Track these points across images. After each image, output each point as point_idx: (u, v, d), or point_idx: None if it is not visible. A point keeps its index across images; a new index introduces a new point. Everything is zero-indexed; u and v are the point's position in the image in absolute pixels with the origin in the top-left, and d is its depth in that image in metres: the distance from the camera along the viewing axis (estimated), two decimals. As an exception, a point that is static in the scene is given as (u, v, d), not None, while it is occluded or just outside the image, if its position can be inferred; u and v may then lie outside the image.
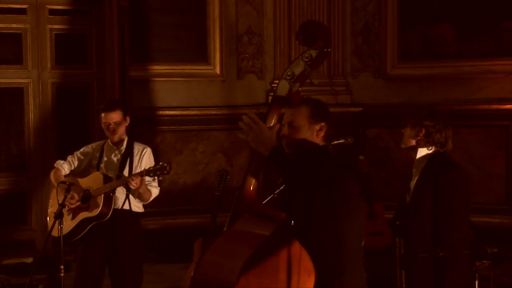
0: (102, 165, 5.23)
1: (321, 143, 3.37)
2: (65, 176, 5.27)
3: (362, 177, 6.93)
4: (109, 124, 5.15)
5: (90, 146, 5.42)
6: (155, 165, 4.99)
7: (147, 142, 5.50)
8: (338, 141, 4.53)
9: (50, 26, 7.85)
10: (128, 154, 5.21)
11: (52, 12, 7.85)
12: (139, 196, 5.16)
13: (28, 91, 7.82)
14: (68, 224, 5.09)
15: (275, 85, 3.25)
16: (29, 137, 7.83)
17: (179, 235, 7.68)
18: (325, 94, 7.98)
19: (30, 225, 7.85)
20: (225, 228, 3.22)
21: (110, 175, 5.14)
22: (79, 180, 5.20)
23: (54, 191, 5.24)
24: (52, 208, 5.25)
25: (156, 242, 7.65)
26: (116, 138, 5.20)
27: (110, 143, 5.27)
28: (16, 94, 7.80)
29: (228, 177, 5.65)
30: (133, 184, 4.91)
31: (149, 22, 8.00)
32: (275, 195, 4.14)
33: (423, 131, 4.11)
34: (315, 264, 3.04)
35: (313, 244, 3.08)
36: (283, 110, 3.33)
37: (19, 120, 7.84)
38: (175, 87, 8.11)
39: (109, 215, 5.05)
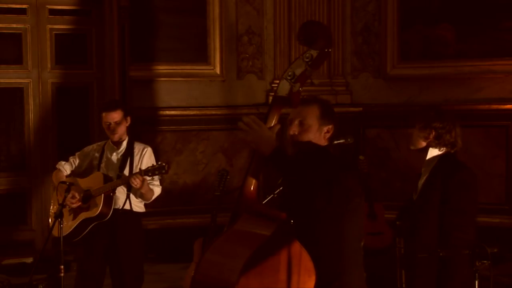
0: (102, 165, 5.24)
1: (326, 143, 3.38)
2: (67, 176, 5.28)
3: (362, 177, 6.93)
4: (110, 123, 5.16)
5: (91, 146, 5.43)
6: (153, 165, 5.00)
7: (147, 142, 5.51)
8: (338, 141, 4.53)
9: (50, 26, 7.85)
10: (129, 154, 5.21)
11: (52, 12, 7.85)
12: (141, 196, 5.16)
13: (28, 91, 7.82)
14: (69, 224, 5.09)
15: (275, 85, 3.26)
16: (29, 137, 7.83)
17: (179, 235, 7.68)
18: (325, 94, 7.96)
19: (30, 225, 7.85)
20: (225, 228, 3.23)
21: (110, 175, 5.14)
22: (80, 180, 5.21)
23: (55, 192, 5.25)
24: (53, 210, 5.25)
25: (156, 242, 7.65)
26: (116, 137, 5.21)
27: (111, 143, 5.27)
28: (16, 94, 7.81)
29: (228, 177, 5.65)
30: (135, 183, 4.91)
31: (149, 22, 8.00)
32: (275, 195, 4.14)
33: (433, 133, 4.10)
34: (315, 264, 3.04)
35: (313, 244, 3.08)
36: (283, 110, 3.33)
37: (19, 120, 7.84)
38: (175, 87, 8.11)
39: (110, 215, 5.05)
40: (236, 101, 8.26)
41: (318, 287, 3.05)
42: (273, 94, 3.53)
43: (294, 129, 3.36)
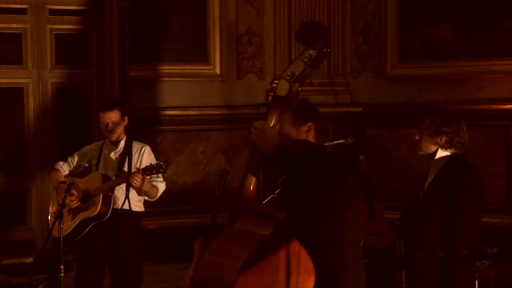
0: (101, 165, 5.24)
1: (317, 142, 3.36)
2: (65, 177, 5.28)
3: (362, 177, 6.94)
4: (107, 123, 5.16)
5: (89, 146, 5.44)
6: (151, 164, 5.00)
7: (147, 142, 5.50)
8: (338, 141, 4.54)
9: (50, 26, 7.85)
10: (127, 153, 5.21)
11: (52, 12, 7.85)
12: (146, 194, 5.17)
13: (28, 91, 7.82)
14: (68, 224, 5.09)
15: (275, 85, 3.26)
16: (29, 137, 7.83)
17: (179, 235, 7.68)
18: (325, 94, 7.99)
19: (30, 225, 7.85)
20: (225, 228, 3.23)
21: (109, 174, 5.15)
22: (78, 180, 5.21)
23: (54, 192, 5.25)
24: (53, 209, 5.25)
25: (156, 242, 7.65)
26: (114, 137, 5.21)
27: (109, 143, 5.27)
28: (16, 94, 7.80)
29: (228, 177, 5.65)
30: (134, 182, 4.92)
31: (149, 22, 7.99)
32: (275, 195, 4.15)
33: (444, 138, 4.11)
34: (314, 263, 3.04)
35: (312, 244, 3.09)
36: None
37: (19, 120, 7.84)
38: (175, 87, 8.10)
39: (108, 214, 5.05)
40: (236, 101, 8.26)
41: (317, 287, 3.05)
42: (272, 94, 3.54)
43: (280, 139, 3.36)
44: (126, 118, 5.27)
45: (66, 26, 7.91)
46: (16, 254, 7.40)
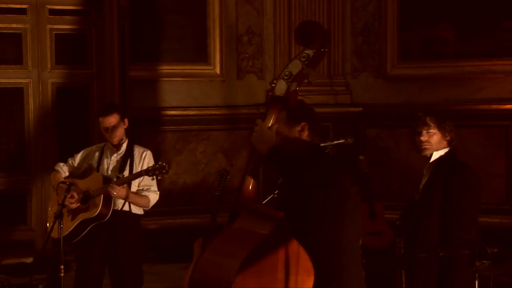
0: (102, 167, 5.24)
1: (312, 142, 3.36)
2: (65, 178, 5.28)
3: (362, 177, 6.94)
4: (107, 128, 5.16)
5: (90, 148, 5.44)
6: (154, 165, 5.00)
7: (147, 142, 5.53)
8: (338, 141, 4.55)
9: (50, 26, 7.85)
10: (128, 156, 5.21)
11: (52, 12, 7.85)
12: (135, 204, 5.17)
13: (28, 91, 7.82)
14: (68, 225, 5.09)
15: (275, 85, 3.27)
16: (29, 137, 7.83)
17: (179, 235, 7.68)
18: (325, 94, 7.99)
19: (30, 225, 7.85)
20: (224, 228, 3.23)
21: (110, 176, 5.14)
22: (79, 181, 5.21)
23: (54, 193, 5.24)
24: (52, 210, 5.24)
25: (156, 242, 7.65)
26: (115, 140, 5.21)
27: (111, 145, 5.27)
28: (16, 94, 7.81)
29: (228, 177, 5.65)
30: (113, 193, 4.92)
31: (149, 22, 7.99)
32: (275, 195, 4.15)
33: (450, 135, 4.15)
34: (314, 263, 3.04)
35: (311, 244, 3.09)
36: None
37: (19, 120, 7.84)
38: (175, 87, 8.10)
39: (108, 216, 5.05)
40: (236, 101, 8.26)
41: (316, 287, 3.05)
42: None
43: (276, 140, 3.36)
44: (126, 121, 5.27)
45: (66, 26, 7.91)
46: (16, 254, 7.40)
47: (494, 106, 7.90)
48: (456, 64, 8.01)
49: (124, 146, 5.25)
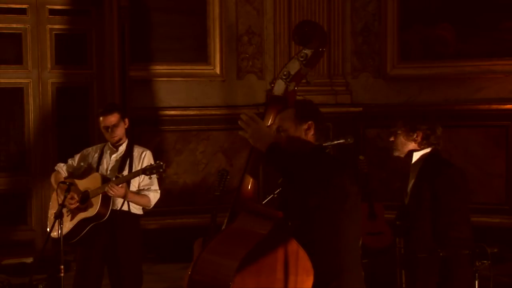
0: (101, 167, 5.24)
1: (313, 142, 3.36)
2: (65, 178, 5.28)
3: (362, 177, 6.94)
4: (108, 127, 5.16)
5: (90, 148, 5.44)
6: (151, 164, 5.00)
7: (147, 142, 5.53)
8: (338, 141, 4.54)
9: (50, 26, 7.85)
10: (128, 156, 5.21)
11: (52, 12, 7.85)
12: (136, 204, 5.17)
13: (28, 91, 7.82)
14: (67, 225, 5.09)
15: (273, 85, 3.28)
16: (29, 137, 7.84)
17: (179, 235, 7.68)
18: (325, 94, 7.98)
19: (30, 225, 7.85)
20: (223, 227, 3.23)
21: (109, 176, 5.14)
22: (78, 181, 5.21)
23: (54, 193, 5.24)
24: (52, 211, 5.25)
25: (156, 242, 7.65)
26: (115, 140, 5.21)
27: (110, 146, 5.27)
28: (16, 94, 7.81)
29: (228, 177, 5.65)
30: (111, 192, 4.92)
31: (149, 22, 8.00)
32: (275, 195, 4.15)
33: (421, 135, 4.11)
34: (313, 263, 3.04)
35: (310, 244, 3.08)
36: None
37: (19, 120, 7.85)
38: (175, 87, 8.11)
39: (107, 215, 5.05)
40: (236, 101, 8.26)
41: (316, 287, 3.05)
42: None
43: (277, 137, 3.35)
44: (126, 121, 5.27)
45: (66, 26, 7.91)
46: (16, 254, 7.40)
47: (494, 106, 7.90)
48: (456, 64, 8.01)
49: (124, 146, 5.26)
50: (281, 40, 8.21)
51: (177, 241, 7.58)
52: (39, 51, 7.81)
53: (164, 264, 7.52)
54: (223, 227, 3.22)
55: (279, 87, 3.24)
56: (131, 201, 5.13)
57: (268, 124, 3.26)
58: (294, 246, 3.03)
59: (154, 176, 5.13)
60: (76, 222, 5.11)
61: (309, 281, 3.03)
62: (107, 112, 5.19)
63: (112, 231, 5.13)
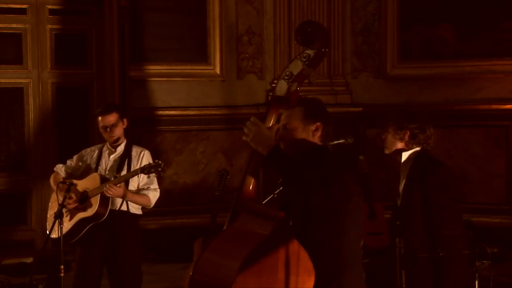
0: (100, 167, 5.24)
1: (319, 143, 3.37)
2: (64, 179, 5.27)
3: (362, 177, 6.94)
4: (107, 126, 5.16)
5: (88, 149, 5.43)
6: (149, 163, 5.00)
7: (147, 142, 5.53)
8: (338, 141, 4.54)
9: (50, 26, 7.85)
10: (126, 156, 5.21)
11: (52, 12, 7.85)
12: (135, 203, 5.17)
13: (28, 91, 7.82)
14: (66, 225, 5.08)
15: (275, 85, 3.27)
16: (29, 137, 7.84)
17: (179, 235, 7.68)
18: (325, 94, 7.97)
19: (30, 225, 7.85)
20: (224, 228, 3.23)
21: (108, 176, 5.14)
22: (77, 181, 5.20)
23: (54, 194, 5.24)
24: (51, 212, 5.24)
25: (156, 242, 7.65)
26: (114, 140, 5.21)
27: (109, 146, 5.27)
28: (16, 94, 7.81)
29: (228, 177, 5.65)
30: (109, 192, 4.91)
31: (149, 22, 7.99)
32: (275, 195, 4.15)
33: (408, 133, 4.11)
34: (314, 264, 3.04)
35: (312, 244, 3.08)
36: (281, 110, 3.34)
37: (19, 120, 7.85)
38: (175, 87, 8.11)
39: (106, 215, 5.05)
40: (236, 101, 8.26)
41: (317, 287, 3.05)
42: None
43: (280, 134, 3.35)
44: (125, 121, 5.27)
45: (66, 26, 7.91)
46: (16, 254, 7.40)
47: (494, 106, 7.90)
48: (456, 64, 8.01)
49: (122, 146, 5.25)
50: (281, 40, 8.21)
51: (177, 241, 7.59)
52: (39, 51, 7.81)
53: (164, 264, 7.52)
54: (225, 227, 3.23)
55: (281, 87, 3.24)
56: (131, 201, 5.12)
57: (270, 125, 3.26)
58: (295, 246, 3.03)
59: (153, 175, 5.13)
60: (75, 222, 5.10)
61: (310, 281, 3.03)
62: (105, 111, 5.18)
63: (111, 231, 5.13)
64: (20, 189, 7.84)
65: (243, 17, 8.27)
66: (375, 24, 8.31)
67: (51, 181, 5.36)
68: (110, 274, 5.24)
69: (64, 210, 5.00)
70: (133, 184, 5.18)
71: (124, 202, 5.11)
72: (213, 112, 8.18)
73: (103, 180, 5.07)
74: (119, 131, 5.20)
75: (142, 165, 5.11)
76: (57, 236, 4.92)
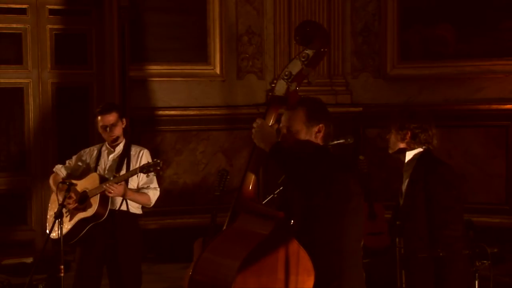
0: (99, 167, 5.24)
1: (321, 143, 3.37)
2: (63, 179, 5.27)
3: (362, 177, 6.94)
4: (106, 126, 5.16)
5: (88, 149, 5.43)
6: (148, 162, 5.00)
7: (147, 142, 5.53)
8: (338, 141, 4.54)
9: (50, 26, 7.85)
10: (126, 155, 5.20)
11: (52, 12, 7.85)
12: (135, 202, 5.17)
13: (28, 91, 7.82)
14: (66, 225, 5.08)
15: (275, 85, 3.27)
16: (29, 137, 7.84)
17: (179, 235, 7.68)
18: (325, 94, 7.97)
19: (30, 225, 7.85)
20: (224, 228, 3.23)
21: (107, 176, 5.14)
22: (76, 181, 5.20)
23: (54, 195, 5.24)
24: (51, 212, 5.24)
25: (156, 242, 7.65)
26: (113, 139, 5.21)
27: (108, 145, 5.27)
28: (16, 94, 7.81)
29: (228, 177, 5.66)
30: (109, 191, 4.91)
31: (149, 22, 8.00)
32: (275, 195, 4.15)
33: (409, 134, 4.10)
34: (314, 263, 3.04)
35: (312, 244, 3.08)
36: (281, 110, 3.34)
37: (19, 120, 7.85)
38: (175, 87, 8.11)
39: (106, 215, 5.04)
40: (236, 101, 8.26)
41: (316, 287, 3.05)
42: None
43: (283, 135, 3.35)
44: (124, 120, 5.26)
45: (66, 26, 7.91)
46: (16, 254, 7.40)
47: (494, 106, 7.90)
48: (456, 64, 8.02)
49: (121, 146, 5.25)
50: (281, 40, 8.21)
51: (177, 241, 7.59)
52: (39, 51, 7.81)
53: (164, 264, 7.52)
54: (224, 227, 3.23)
55: (281, 87, 3.24)
56: (131, 199, 5.12)
57: (270, 124, 3.27)
58: (295, 246, 3.03)
59: (153, 174, 5.12)
60: (75, 222, 5.10)
61: (310, 281, 3.03)
62: (105, 111, 5.18)
63: (111, 231, 5.12)
64: (20, 189, 7.84)
65: (243, 17, 8.28)
66: (375, 24, 8.32)
67: (51, 181, 5.36)
68: (110, 274, 5.24)
69: (64, 210, 5.00)
70: (133, 183, 5.18)
71: (124, 201, 5.11)
72: (213, 112, 8.19)
73: (103, 180, 5.07)
74: (118, 131, 5.20)
75: (141, 164, 5.11)
76: (57, 236, 4.92)
